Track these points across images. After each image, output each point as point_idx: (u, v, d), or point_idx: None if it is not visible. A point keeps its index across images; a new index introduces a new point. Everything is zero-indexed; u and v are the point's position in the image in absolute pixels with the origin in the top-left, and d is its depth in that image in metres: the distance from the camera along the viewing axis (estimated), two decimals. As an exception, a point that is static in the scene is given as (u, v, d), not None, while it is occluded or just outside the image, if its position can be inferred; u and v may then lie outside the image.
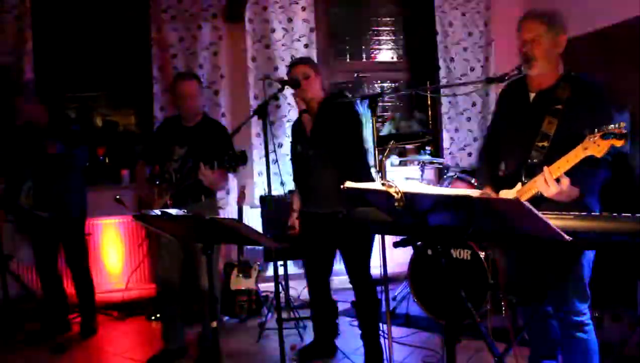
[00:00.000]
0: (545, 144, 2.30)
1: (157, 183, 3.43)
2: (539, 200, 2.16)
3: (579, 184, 2.14)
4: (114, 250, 4.97)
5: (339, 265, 3.58)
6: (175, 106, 3.71)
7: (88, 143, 4.26)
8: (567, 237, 1.56)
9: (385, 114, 5.89)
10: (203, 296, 3.54)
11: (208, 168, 3.17)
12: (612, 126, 1.93)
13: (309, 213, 3.45)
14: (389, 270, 2.99)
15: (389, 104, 5.97)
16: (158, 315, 4.43)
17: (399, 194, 1.72)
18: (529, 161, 2.32)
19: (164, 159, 3.54)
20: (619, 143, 1.93)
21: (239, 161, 3.00)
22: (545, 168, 2.11)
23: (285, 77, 3.43)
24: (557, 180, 2.08)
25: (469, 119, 5.60)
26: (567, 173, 2.09)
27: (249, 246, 4.65)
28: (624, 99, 4.30)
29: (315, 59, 5.23)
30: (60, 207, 4.07)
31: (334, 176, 3.21)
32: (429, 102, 5.58)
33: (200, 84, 3.65)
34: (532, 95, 2.46)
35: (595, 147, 1.96)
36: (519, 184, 2.32)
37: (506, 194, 2.35)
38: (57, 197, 4.06)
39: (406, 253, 5.03)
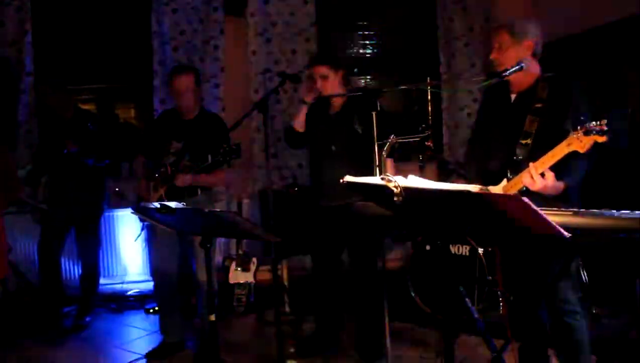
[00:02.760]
0: (529, 141, 2.43)
1: (157, 175, 3.42)
2: (523, 194, 2.21)
3: (566, 177, 2.25)
4: (113, 242, 4.97)
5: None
6: (174, 99, 3.70)
7: (108, 143, 4.21)
8: (566, 234, 1.56)
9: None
10: (200, 289, 3.54)
11: (184, 174, 3.26)
12: (594, 123, 2.04)
13: (323, 207, 3.44)
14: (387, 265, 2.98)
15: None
16: (157, 308, 4.44)
17: (399, 189, 1.72)
18: (514, 157, 2.44)
19: (161, 153, 3.54)
20: (600, 139, 2.04)
21: (232, 154, 3.01)
22: (530, 163, 2.22)
23: (287, 71, 3.43)
24: (542, 175, 2.19)
25: (469, 114, 5.59)
26: (554, 167, 2.19)
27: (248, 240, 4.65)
28: (624, 97, 4.30)
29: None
30: (74, 204, 4.09)
31: (349, 169, 3.21)
32: (429, 97, 5.57)
33: (197, 77, 3.58)
34: (513, 96, 2.60)
35: (578, 143, 2.09)
36: (505, 180, 2.42)
37: (492, 190, 2.39)
38: (71, 194, 4.08)
39: (405, 248, 5.05)
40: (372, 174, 3.19)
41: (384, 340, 2.98)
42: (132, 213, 3.37)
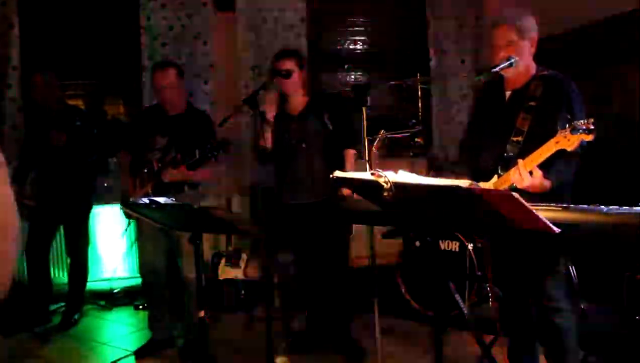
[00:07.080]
0: (520, 139, 2.42)
1: (145, 171, 3.39)
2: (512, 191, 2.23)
3: (553, 176, 2.26)
4: (101, 238, 4.93)
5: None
6: (156, 96, 3.66)
7: (94, 138, 4.19)
8: (555, 229, 1.56)
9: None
10: (187, 285, 3.50)
11: (171, 169, 3.21)
12: (581, 121, 2.05)
13: (291, 204, 3.42)
14: (377, 261, 2.99)
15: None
16: (145, 304, 4.41)
17: (389, 185, 1.72)
18: (505, 154, 2.44)
19: (145, 148, 3.49)
20: (587, 138, 2.05)
21: (220, 149, 3.01)
22: (519, 161, 2.23)
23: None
24: (531, 173, 2.20)
25: (459, 110, 5.60)
26: (543, 165, 2.20)
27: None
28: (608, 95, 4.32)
29: (305, 49, 5.23)
30: (62, 201, 4.06)
31: (320, 166, 3.31)
32: (419, 94, 5.57)
33: (179, 72, 3.53)
34: (508, 93, 2.58)
35: (566, 141, 2.09)
36: (495, 176, 2.44)
37: (483, 186, 2.40)
38: (59, 191, 4.05)
39: (395, 243, 5.06)
40: (343, 169, 3.24)
41: (374, 336, 2.98)
42: (120, 208, 3.35)
